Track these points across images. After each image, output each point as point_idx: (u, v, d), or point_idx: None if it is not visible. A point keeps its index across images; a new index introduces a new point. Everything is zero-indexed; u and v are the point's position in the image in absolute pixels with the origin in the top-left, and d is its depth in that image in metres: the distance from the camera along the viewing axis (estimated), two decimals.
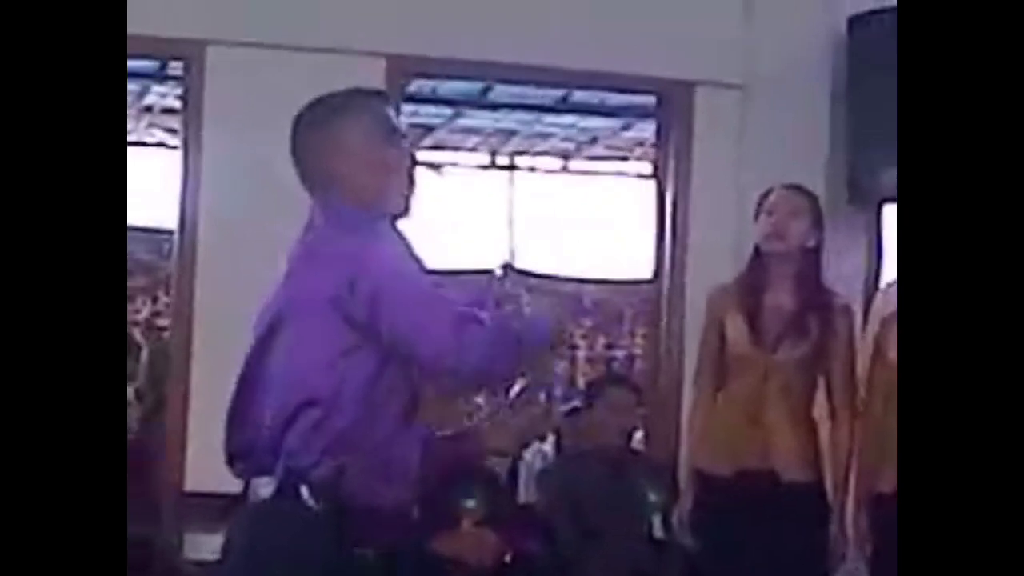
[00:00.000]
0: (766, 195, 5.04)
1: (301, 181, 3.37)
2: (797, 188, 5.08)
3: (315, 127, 3.36)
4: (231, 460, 3.27)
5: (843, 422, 4.91)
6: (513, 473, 6.83)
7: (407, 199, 3.37)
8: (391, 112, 3.46)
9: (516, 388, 6.96)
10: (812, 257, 4.99)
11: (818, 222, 5.01)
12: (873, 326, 4.99)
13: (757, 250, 5.02)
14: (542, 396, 7.84)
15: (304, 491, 3.10)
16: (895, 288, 5.26)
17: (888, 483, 4.55)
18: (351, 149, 3.31)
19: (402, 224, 3.34)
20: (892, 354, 4.59)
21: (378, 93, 3.51)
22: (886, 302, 5.28)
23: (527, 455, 7.12)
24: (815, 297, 4.94)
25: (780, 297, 4.95)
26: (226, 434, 3.27)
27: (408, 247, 3.24)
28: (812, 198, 5.06)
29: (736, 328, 4.97)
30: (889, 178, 5.72)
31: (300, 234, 3.35)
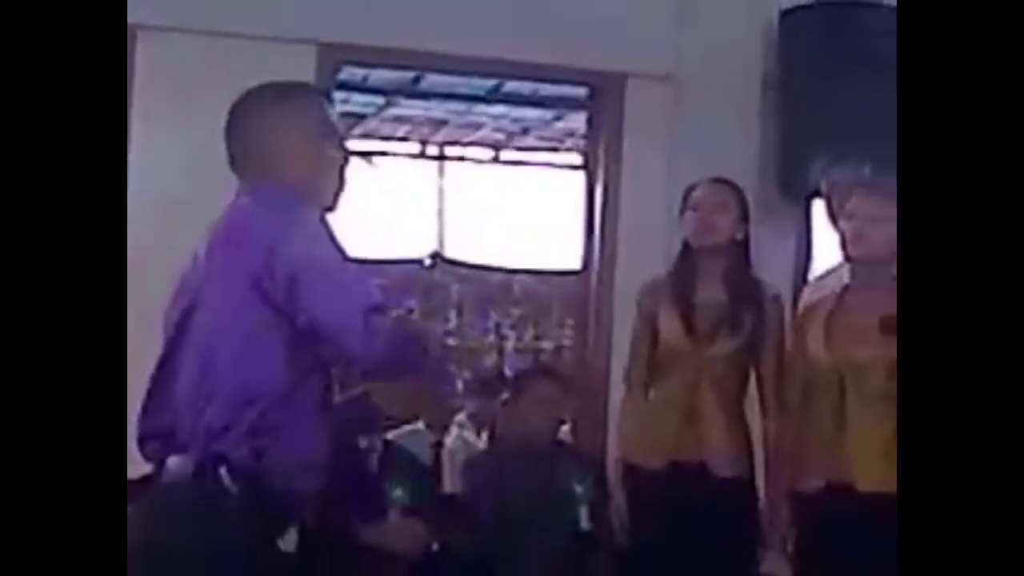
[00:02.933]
0: (691, 190, 5.05)
1: (231, 164, 3.36)
2: (722, 181, 5.10)
3: (255, 113, 3.38)
4: (143, 441, 3.24)
5: (773, 415, 4.92)
6: (437, 461, 6.82)
7: (336, 196, 3.41)
8: (330, 109, 3.49)
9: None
10: (741, 250, 5.01)
11: (744, 214, 5.02)
12: (796, 320, 5.01)
13: (686, 245, 5.02)
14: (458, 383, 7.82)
15: (223, 473, 3.07)
16: (822, 282, 5.29)
17: (806, 477, 4.57)
18: (289, 138, 3.34)
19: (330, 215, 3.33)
20: (813, 347, 4.60)
21: (319, 90, 3.60)
22: (812, 295, 5.29)
23: (448, 441, 7.09)
24: (746, 289, 4.96)
25: (711, 291, 4.96)
26: (141, 413, 3.25)
27: (330, 231, 3.22)
28: (737, 190, 5.08)
29: (669, 323, 4.98)
30: (817, 171, 5.74)
31: (223, 214, 3.33)
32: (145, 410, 3.24)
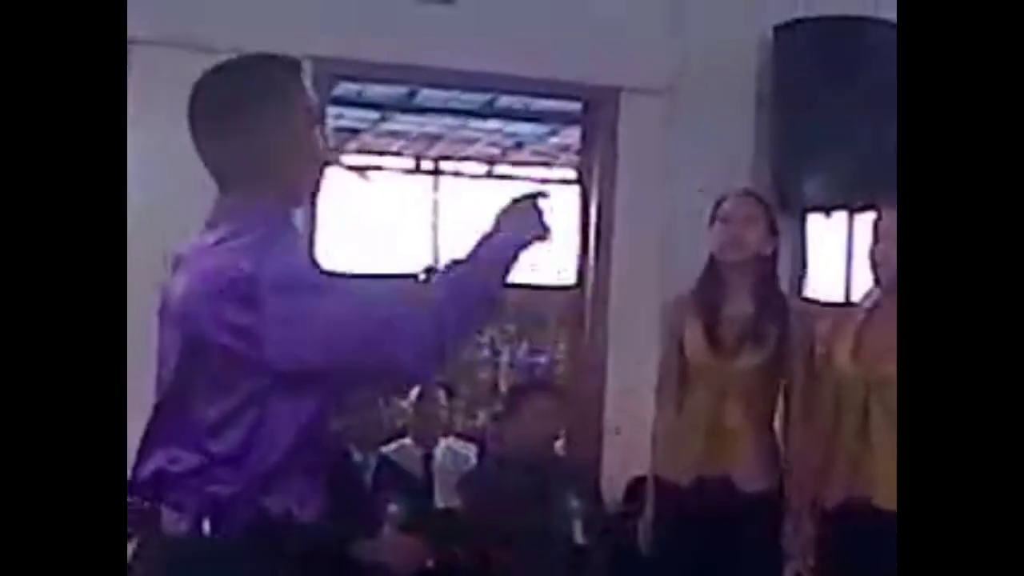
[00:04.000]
0: (720, 202, 5.00)
1: (207, 166, 3.08)
2: (751, 194, 5.07)
3: (224, 108, 3.02)
4: (134, 485, 3.01)
5: (800, 432, 4.86)
6: (428, 476, 6.80)
7: (318, 182, 3.15)
8: (306, 82, 3.13)
9: (414, 393, 6.91)
10: (768, 264, 4.95)
11: (773, 228, 4.97)
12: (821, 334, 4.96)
13: (712, 258, 4.97)
14: (441, 396, 7.78)
15: (218, 521, 2.98)
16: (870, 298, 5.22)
17: (830, 491, 4.55)
18: (272, 136, 3.01)
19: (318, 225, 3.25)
20: (840, 362, 4.55)
21: (291, 61, 3.12)
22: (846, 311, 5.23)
23: (438, 454, 7.08)
24: (772, 304, 4.89)
25: (737, 305, 4.91)
26: (137, 457, 3.03)
27: (304, 250, 3.05)
28: (766, 205, 5.04)
29: (694, 337, 4.93)
30: (812, 186, 5.75)
31: (207, 227, 3.07)
32: (140, 453, 3.11)
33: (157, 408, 3.05)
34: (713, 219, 4.96)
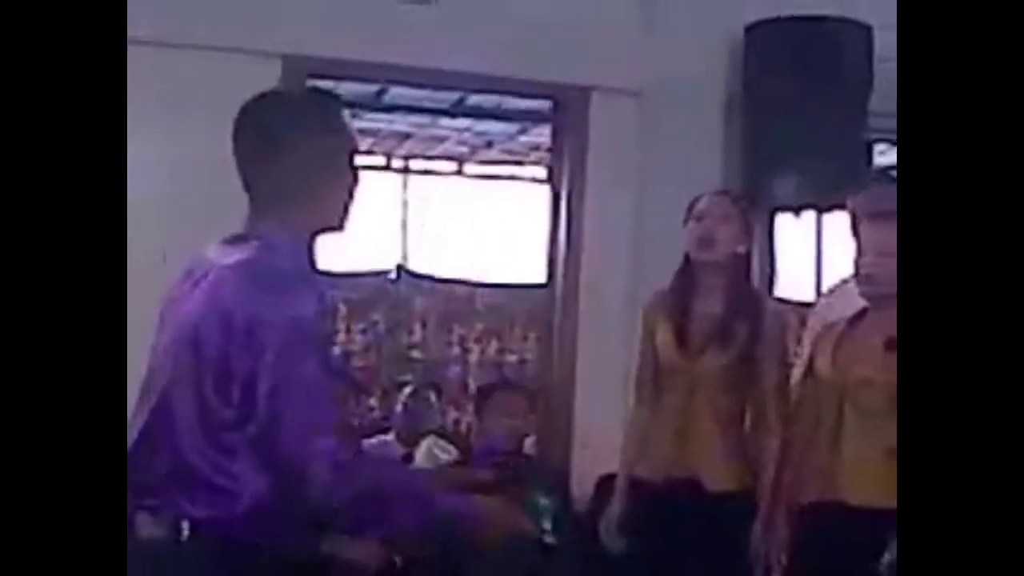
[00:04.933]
0: (695, 201, 5.00)
1: (244, 182, 3.14)
2: (726, 194, 5.08)
3: (275, 132, 3.11)
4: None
5: (772, 432, 4.88)
6: None
7: (348, 208, 3.24)
8: (349, 119, 3.28)
9: (407, 390, 6.93)
10: (742, 263, 4.96)
11: (748, 228, 4.97)
12: (801, 338, 4.98)
13: (687, 257, 4.98)
14: (432, 396, 7.79)
15: (186, 528, 2.99)
16: (832, 297, 5.24)
17: (802, 492, 4.57)
18: (318, 165, 3.11)
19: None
20: (820, 366, 4.56)
21: (335, 96, 3.32)
22: (825, 313, 5.25)
23: (418, 453, 7.09)
24: (745, 303, 4.89)
25: (709, 304, 4.90)
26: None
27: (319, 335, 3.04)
28: (742, 203, 5.05)
29: (665, 337, 4.94)
30: (783, 186, 5.77)
31: (230, 241, 3.12)
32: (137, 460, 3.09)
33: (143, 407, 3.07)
34: (688, 218, 4.97)
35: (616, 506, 5.05)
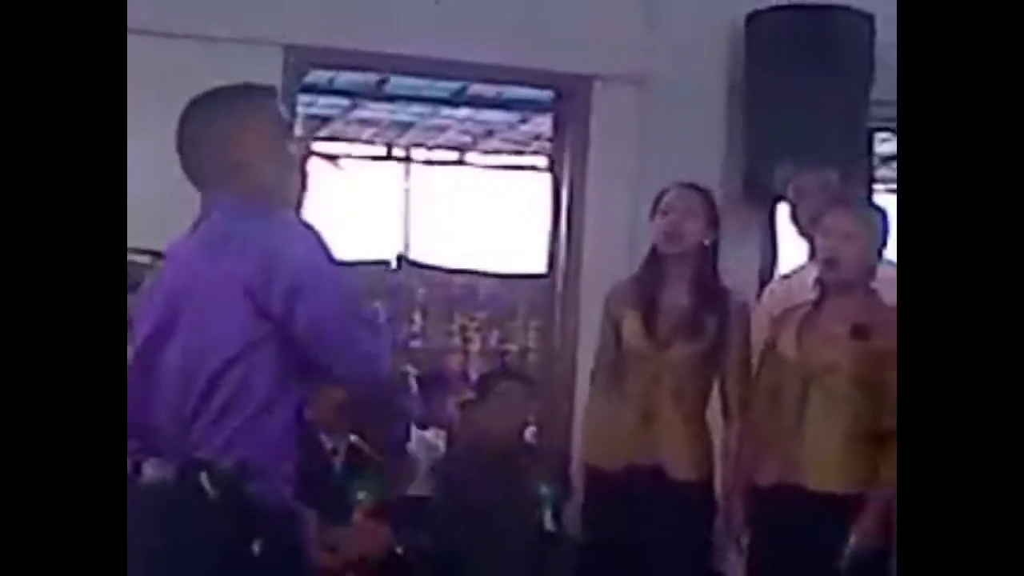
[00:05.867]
0: (662, 194, 5.05)
1: (188, 173, 3.32)
2: (692, 186, 5.10)
3: (210, 120, 3.30)
4: None
5: (735, 421, 4.93)
6: None
7: (301, 196, 3.37)
8: (283, 108, 3.46)
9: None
10: (708, 255, 5.00)
11: (714, 220, 5.02)
12: (762, 322, 5.03)
13: (653, 249, 5.03)
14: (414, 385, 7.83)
15: (203, 479, 3.05)
16: (784, 284, 5.34)
17: (762, 476, 4.63)
18: (251, 142, 3.28)
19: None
20: (783, 351, 4.65)
21: (268, 88, 3.47)
22: (775, 298, 5.32)
23: (411, 446, 7.08)
24: (710, 295, 4.96)
25: (675, 295, 4.97)
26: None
27: (321, 240, 3.20)
28: (707, 196, 5.08)
29: (631, 326, 4.99)
30: (783, 175, 5.77)
31: (193, 227, 3.30)
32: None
33: (141, 366, 3.19)
34: (654, 212, 5.01)
35: (579, 495, 5.11)
